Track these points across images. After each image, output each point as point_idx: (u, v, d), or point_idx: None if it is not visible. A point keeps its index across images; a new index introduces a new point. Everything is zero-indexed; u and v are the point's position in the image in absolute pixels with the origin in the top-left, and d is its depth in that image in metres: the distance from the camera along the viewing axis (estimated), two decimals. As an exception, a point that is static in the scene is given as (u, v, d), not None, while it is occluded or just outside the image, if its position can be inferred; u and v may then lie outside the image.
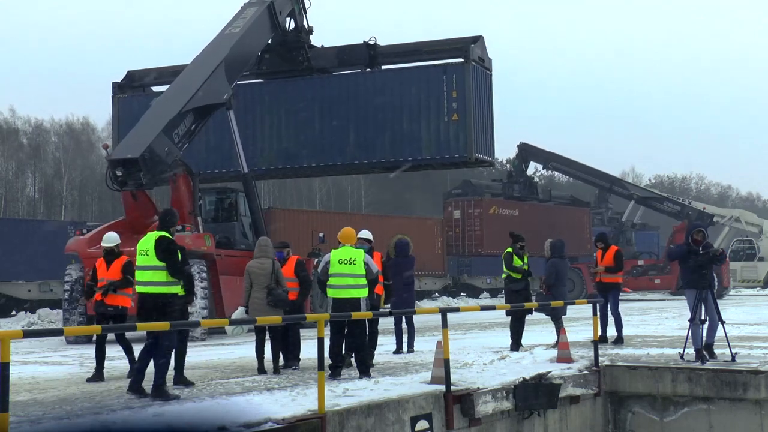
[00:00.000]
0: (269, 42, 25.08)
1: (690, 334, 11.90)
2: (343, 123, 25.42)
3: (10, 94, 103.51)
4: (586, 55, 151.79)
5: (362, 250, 10.87)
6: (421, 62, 25.27)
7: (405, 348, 13.68)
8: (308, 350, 12.30)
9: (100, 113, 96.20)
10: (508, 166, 42.69)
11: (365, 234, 12.02)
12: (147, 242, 9.39)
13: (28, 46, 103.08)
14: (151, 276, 9.28)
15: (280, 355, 11.45)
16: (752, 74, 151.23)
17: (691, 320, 11.84)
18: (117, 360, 13.64)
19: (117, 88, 27.57)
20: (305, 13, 25.60)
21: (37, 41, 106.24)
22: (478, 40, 24.71)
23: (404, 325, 13.83)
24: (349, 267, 10.60)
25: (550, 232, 37.82)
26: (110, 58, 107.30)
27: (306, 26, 25.65)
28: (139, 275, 9.47)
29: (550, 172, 45.67)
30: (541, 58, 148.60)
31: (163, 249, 9.21)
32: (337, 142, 25.56)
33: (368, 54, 25.20)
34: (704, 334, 11.86)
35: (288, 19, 25.08)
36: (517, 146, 44.17)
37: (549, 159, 44.01)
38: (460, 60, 24.03)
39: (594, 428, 11.69)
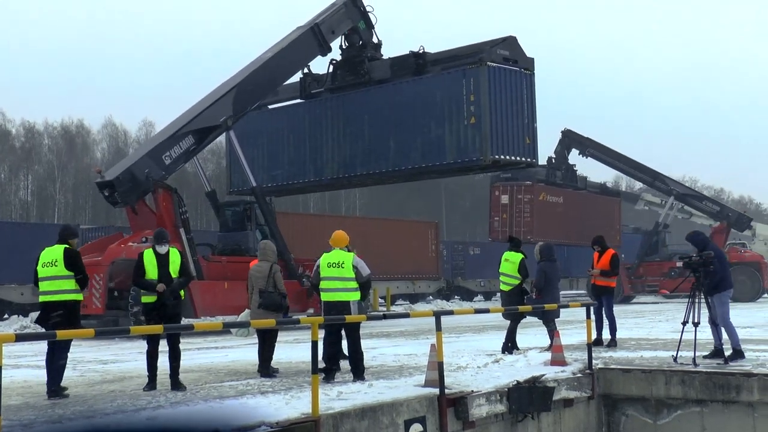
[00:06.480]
0: (340, 59, 26.86)
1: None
2: (385, 130, 26.43)
3: (2, 97, 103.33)
4: (586, 55, 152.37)
5: (352, 253, 10.80)
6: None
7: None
8: (303, 353, 12.28)
9: (95, 117, 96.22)
10: (553, 154, 40.28)
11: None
12: (53, 254, 9.82)
13: (23, 48, 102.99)
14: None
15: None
16: (748, 79, 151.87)
17: (683, 323, 11.90)
18: (110, 363, 13.65)
19: None
20: (372, 28, 26.82)
21: (33, 43, 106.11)
22: (506, 40, 24.97)
23: None
24: (337, 270, 10.53)
25: (587, 220, 37.49)
26: (107, 60, 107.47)
27: (375, 40, 26.94)
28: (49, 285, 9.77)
29: (586, 158, 42.88)
30: (539, 57, 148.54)
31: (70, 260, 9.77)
32: (381, 149, 26.61)
33: (416, 62, 26.01)
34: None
35: (354, 36, 26.52)
36: (561, 132, 41.44)
37: (586, 146, 41.27)
38: (477, 63, 24.32)
39: (588, 431, 11.70)
